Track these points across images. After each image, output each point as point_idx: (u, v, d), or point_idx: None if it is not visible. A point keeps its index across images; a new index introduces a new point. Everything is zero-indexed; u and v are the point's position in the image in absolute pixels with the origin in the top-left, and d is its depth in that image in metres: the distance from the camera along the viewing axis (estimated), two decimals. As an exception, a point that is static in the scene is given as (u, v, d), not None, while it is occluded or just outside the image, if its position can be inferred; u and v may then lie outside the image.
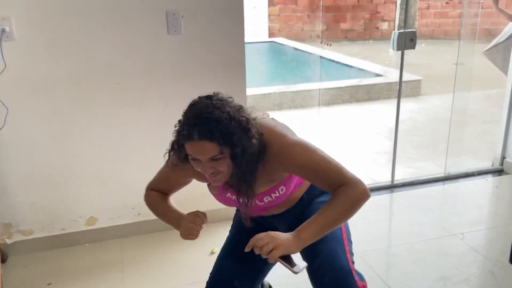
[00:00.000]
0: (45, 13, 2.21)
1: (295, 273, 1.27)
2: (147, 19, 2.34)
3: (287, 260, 1.29)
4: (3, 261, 2.35)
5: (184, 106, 2.57)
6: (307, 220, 1.36)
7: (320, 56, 8.18)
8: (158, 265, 2.36)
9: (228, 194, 1.50)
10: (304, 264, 1.30)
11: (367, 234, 2.57)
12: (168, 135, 1.38)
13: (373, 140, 4.31)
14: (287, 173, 1.46)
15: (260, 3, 10.58)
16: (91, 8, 2.26)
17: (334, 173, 1.36)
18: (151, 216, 1.57)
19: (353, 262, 1.47)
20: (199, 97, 1.35)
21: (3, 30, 2.15)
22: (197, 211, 1.45)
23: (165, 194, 1.60)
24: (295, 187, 1.53)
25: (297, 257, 1.31)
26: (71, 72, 2.31)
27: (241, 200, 1.42)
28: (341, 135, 4.53)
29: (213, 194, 1.54)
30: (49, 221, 2.48)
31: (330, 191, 1.38)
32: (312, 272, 1.44)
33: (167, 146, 1.39)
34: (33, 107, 2.31)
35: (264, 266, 1.56)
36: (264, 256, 1.28)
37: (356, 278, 1.42)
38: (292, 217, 1.54)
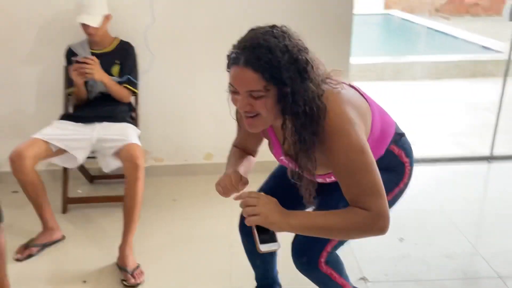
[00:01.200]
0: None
1: (259, 250, 1.18)
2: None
3: (262, 233, 1.19)
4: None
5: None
6: (305, 211, 1.25)
7: (437, 30, 7.91)
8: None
9: (282, 158, 1.40)
10: (275, 247, 1.19)
11: (458, 197, 2.72)
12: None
13: (478, 114, 4.25)
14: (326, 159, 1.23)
15: (378, -26, 10.39)
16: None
17: (369, 193, 1.16)
18: (258, 158, 1.62)
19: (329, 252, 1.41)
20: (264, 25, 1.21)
21: (154, -9, 2.64)
22: (242, 180, 1.39)
23: (246, 150, 1.55)
24: None
25: (274, 235, 1.20)
26: (202, 28, 2.75)
27: (300, 171, 1.28)
28: (444, 107, 4.51)
29: (271, 151, 1.45)
30: (176, 152, 3.01)
31: (347, 203, 1.20)
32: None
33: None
34: (170, 56, 2.79)
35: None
36: (243, 215, 1.20)
37: (322, 262, 1.40)
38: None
